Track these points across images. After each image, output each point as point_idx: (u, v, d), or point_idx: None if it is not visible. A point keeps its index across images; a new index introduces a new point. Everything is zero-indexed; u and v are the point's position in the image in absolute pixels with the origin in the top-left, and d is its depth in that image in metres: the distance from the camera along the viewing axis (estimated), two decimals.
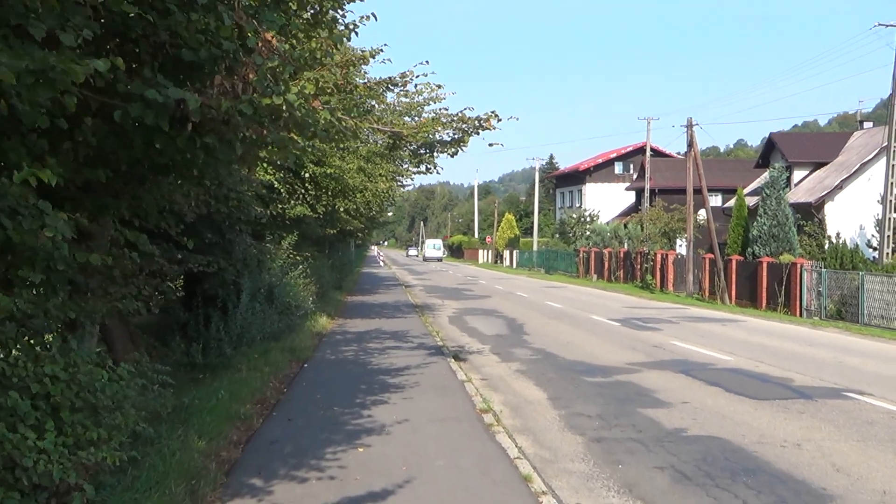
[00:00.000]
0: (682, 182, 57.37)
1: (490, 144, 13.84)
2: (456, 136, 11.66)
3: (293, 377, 13.16)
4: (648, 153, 53.02)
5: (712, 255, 34.25)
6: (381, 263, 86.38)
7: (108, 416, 6.78)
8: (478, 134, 11.66)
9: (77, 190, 6.83)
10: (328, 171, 18.75)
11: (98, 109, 6.04)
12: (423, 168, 12.61)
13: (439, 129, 11.77)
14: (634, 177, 69.50)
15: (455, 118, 11.77)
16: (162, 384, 9.83)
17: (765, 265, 30.59)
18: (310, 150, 16.06)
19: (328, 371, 13.77)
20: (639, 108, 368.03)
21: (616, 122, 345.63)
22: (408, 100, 16.22)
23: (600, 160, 77.28)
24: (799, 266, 28.37)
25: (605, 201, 69.99)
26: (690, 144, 34.52)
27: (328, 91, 8.95)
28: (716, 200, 47.53)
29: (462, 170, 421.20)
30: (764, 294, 30.32)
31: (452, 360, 15.15)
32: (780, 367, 14.63)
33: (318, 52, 6.64)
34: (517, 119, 11.73)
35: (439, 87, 15.14)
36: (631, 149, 75.80)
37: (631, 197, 66.26)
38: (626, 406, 11.03)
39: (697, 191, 35.71)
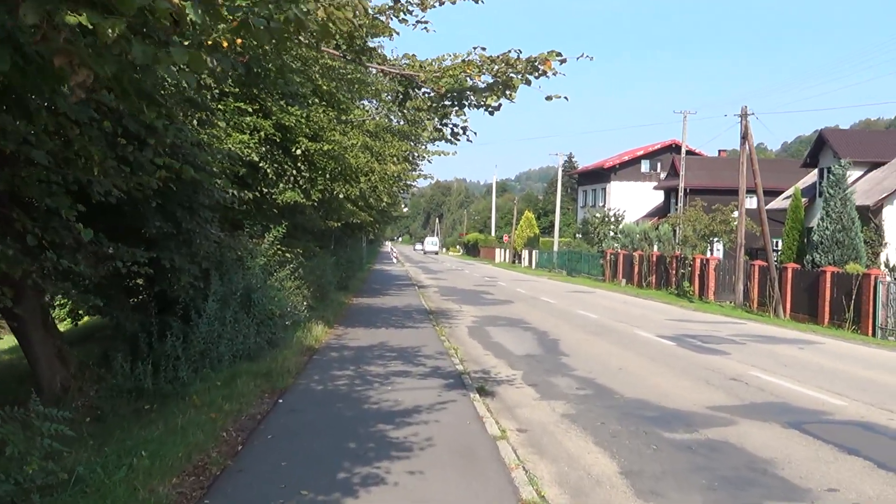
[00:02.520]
0: (715, 182, 54.00)
1: (547, 98, 10.48)
2: (498, 81, 7.89)
3: (259, 421, 9.52)
4: (684, 150, 49.09)
5: (763, 262, 30.36)
6: (395, 260, 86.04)
7: None
8: (528, 83, 7.93)
9: None
10: (325, 148, 15.04)
11: None
12: (447, 132, 8.82)
13: (472, 72, 8.02)
14: (662, 176, 65.67)
15: (495, 60, 8.03)
16: (55, 437, 6.35)
17: (829, 275, 26.62)
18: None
19: (309, 413, 10.10)
20: (657, 107, 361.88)
21: (632, 120, 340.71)
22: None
23: (626, 158, 73.56)
24: (873, 278, 24.49)
25: (631, 201, 66.27)
26: (745, 136, 30.44)
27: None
28: (751, 202, 42.79)
29: (479, 167, 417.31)
30: (827, 308, 26.41)
31: (477, 395, 11.49)
32: None
33: None
34: (591, 58, 8.00)
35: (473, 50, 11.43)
36: (659, 146, 72.47)
37: (658, 197, 62.45)
38: (744, 496, 7.29)
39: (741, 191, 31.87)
